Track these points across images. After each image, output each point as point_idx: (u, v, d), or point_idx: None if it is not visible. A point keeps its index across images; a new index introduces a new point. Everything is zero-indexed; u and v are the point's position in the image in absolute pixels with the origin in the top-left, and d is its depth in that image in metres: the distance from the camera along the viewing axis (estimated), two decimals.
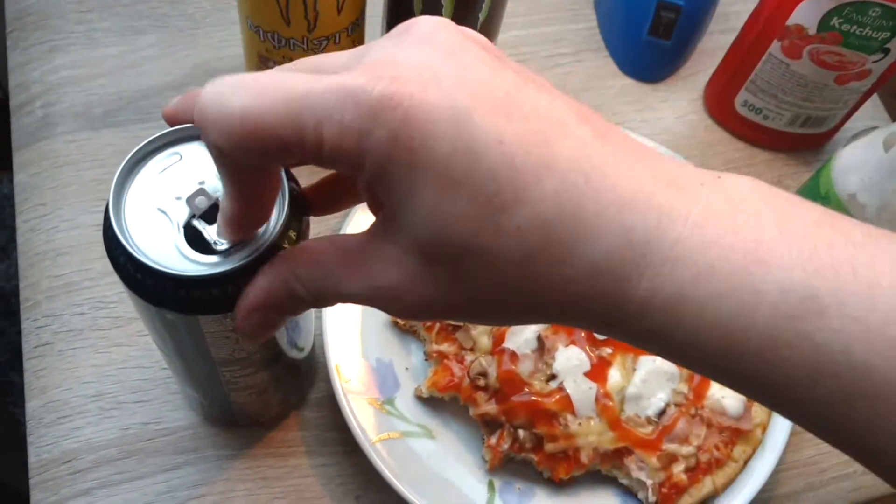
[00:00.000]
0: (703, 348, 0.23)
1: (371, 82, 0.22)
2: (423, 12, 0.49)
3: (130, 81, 0.56)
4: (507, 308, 0.25)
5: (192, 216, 0.29)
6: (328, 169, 0.25)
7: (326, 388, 0.48)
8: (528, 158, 0.22)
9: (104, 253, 0.48)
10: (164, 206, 0.29)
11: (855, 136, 0.49)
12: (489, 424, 0.46)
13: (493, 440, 0.46)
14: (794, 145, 0.60)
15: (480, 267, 0.23)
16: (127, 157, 0.30)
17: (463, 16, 0.49)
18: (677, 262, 0.23)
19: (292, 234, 0.30)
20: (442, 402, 0.48)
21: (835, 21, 0.49)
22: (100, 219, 0.51)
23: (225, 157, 0.24)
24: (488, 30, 0.51)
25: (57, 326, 0.48)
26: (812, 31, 0.50)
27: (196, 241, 0.29)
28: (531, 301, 0.24)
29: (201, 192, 0.30)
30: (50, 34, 0.57)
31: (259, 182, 0.26)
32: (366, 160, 0.23)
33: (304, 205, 0.31)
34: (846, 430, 0.23)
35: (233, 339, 0.33)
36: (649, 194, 0.23)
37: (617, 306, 0.23)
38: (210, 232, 0.29)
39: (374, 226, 0.26)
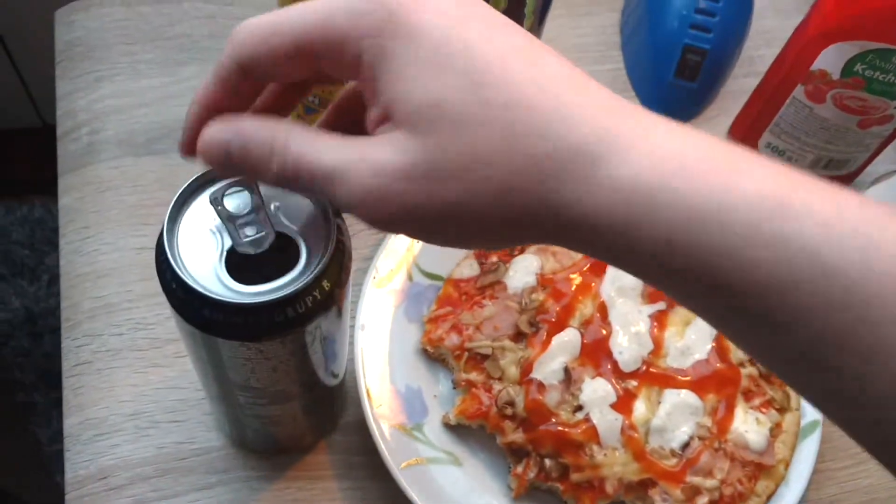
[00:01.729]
0: (677, 244, 0.24)
1: None
2: None
3: (172, 111, 0.58)
4: (471, 197, 0.25)
5: (237, 244, 0.31)
6: (334, 74, 0.27)
7: (356, 413, 0.49)
8: (517, 56, 0.25)
9: (144, 275, 0.50)
10: (214, 230, 0.31)
11: (877, 180, 0.50)
12: (516, 453, 0.47)
13: (520, 469, 0.47)
14: None
15: (458, 137, 0.24)
16: (196, 177, 0.32)
17: None
18: (657, 153, 0.24)
19: (326, 284, 0.31)
20: (469, 429, 0.49)
21: (858, 67, 0.51)
22: (141, 242, 0.53)
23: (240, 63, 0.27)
24: None
25: (96, 346, 0.50)
26: (836, 76, 0.52)
27: (236, 268, 0.31)
28: (500, 185, 0.25)
29: (249, 221, 0.31)
30: (96, 65, 0.60)
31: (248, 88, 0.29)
32: (365, 39, 0.25)
33: (347, 258, 0.33)
34: (822, 359, 0.23)
35: (249, 368, 0.34)
36: (626, 106, 0.26)
37: (590, 189, 0.24)
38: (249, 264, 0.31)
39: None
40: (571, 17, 0.67)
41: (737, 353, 0.50)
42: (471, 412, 0.48)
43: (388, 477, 0.45)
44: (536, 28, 0.50)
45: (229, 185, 0.31)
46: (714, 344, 0.50)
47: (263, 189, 0.31)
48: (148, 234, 0.53)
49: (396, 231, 0.27)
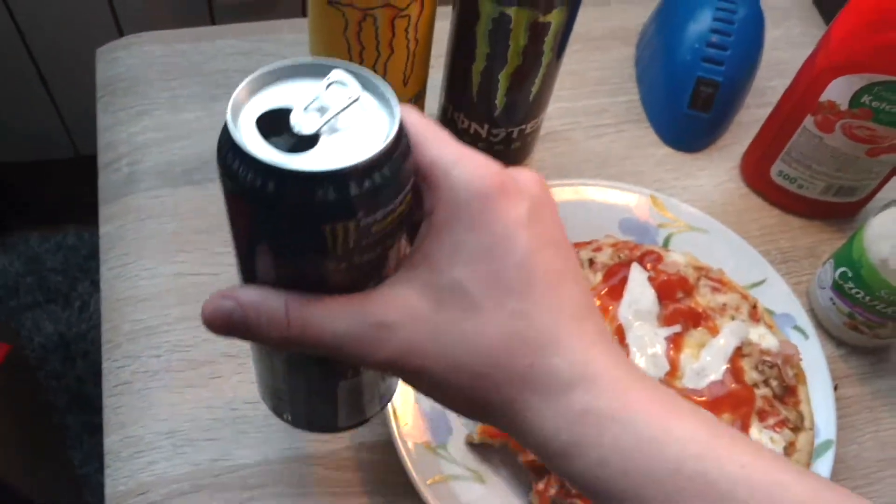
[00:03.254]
0: (607, 476, 0.28)
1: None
2: (480, 85, 0.53)
3: (208, 143, 0.61)
4: (466, 378, 0.29)
5: (301, 131, 0.27)
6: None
7: (383, 432, 0.51)
8: (552, 271, 0.29)
9: (181, 300, 0.52)
10: (282, 115, 0.27)
11: (886, 206, 0.52)
12: (537, 470, 0.49)
13: (541, 485, 0.48)
14: (827, 213, 0.63)
15: (470, 324, 0.28)
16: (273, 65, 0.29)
17: (518, 88, 0.53)
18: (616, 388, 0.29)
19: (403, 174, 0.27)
20: (492, 448, 0.50)
21: (865, 98, 0.52)
22: (178, 269, 0.56)
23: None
24: (539, 103, 0.56)
25: (136, 367, 0.52)
26: (844, 106, 0.54)
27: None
28: (488, 370, 0.28)
29: (313, 111, 0.27)
30: (137, 99, 0.63)
31: None
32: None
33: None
34: None
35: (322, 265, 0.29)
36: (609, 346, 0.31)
37: (556, 411, 0.28)
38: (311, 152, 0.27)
39: (390, 279, 0.29)
40: (589, 51, 0.70)
41: (751, 375, 0.51)
42: (493, 431, 0.49)
43: (415, 493, 0.47)
44: (555, 62, 0.53)
45: (291, 73, 0.28)
46: (729, 365, 0.51)
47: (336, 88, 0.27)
48: (185, 261, 0.56)
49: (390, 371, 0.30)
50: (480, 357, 0.28)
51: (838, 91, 0.53)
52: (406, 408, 0.50)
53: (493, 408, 0.29)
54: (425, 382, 0.29)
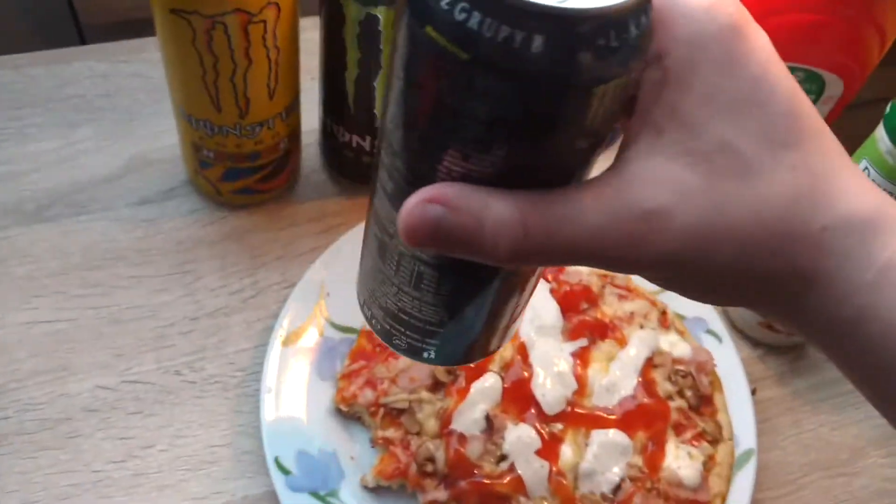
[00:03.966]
0: None
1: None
2: (356, 94, 0.49)
3: (65, 175, 0.56)
4: (753, 248, 0.23)
5: None
6: None
7: (266, 483, 0.46)
8: (811, 114, 0.23)
9: (33, 352, 0.46)
10: None
11: None
12: None
13: None
14: None
15: (751, 192, 0.22)
16: None
17: None
18: None
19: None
20: (390, 490, 0.46)
21: None
22: (30, 316, 0.49)
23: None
24: None
25: None
26: None
27: None
28: (779, 242, 0.23)
29: None
30: None
31: None
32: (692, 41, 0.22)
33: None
34: None
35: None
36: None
37: (854, 268, 0.23)
38: None
39: (629, 150, 0.23)
40: None
41: (664, 386, 0.48)
42: (389, 472, 0.45)
43: None
44: None
45: None
46: (640, 378, 0.48)
47: None
48: (39, 308, 0.50)
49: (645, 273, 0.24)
50: (768, 230, 0.23)
51: None
52: (291, 454, 0.45)
53: (779, 289, 0.24)
54: (701, 277, 0.24)
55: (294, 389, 0.47)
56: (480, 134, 0.21)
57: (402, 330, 0.28)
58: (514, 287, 0.27)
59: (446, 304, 0.26)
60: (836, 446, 0.51)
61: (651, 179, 0.22)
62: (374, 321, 0.30)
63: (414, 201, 0.21)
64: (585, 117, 0.21)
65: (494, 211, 0.21)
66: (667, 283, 0.25)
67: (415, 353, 0.29)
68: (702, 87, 0.22)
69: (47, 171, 0.56)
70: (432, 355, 0.29)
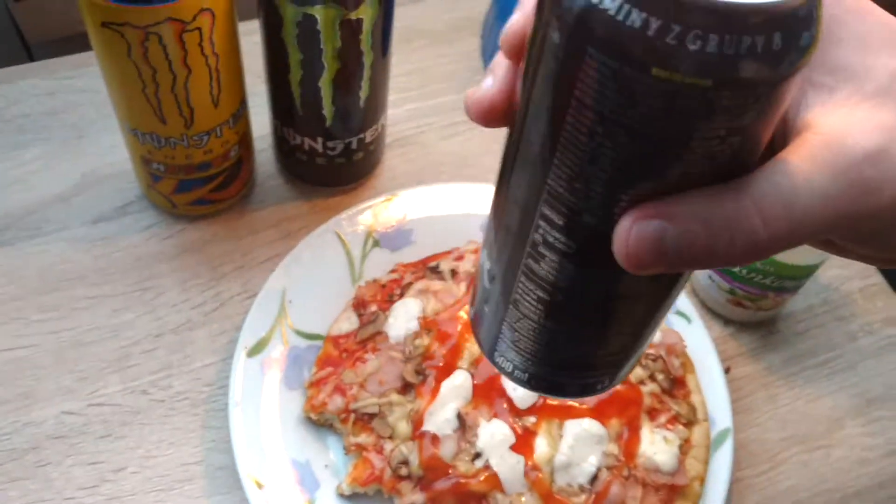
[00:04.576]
0: None
1: None
2: (302, 96, 0.48)
3: (16, 197, 0.54)
4: None
5: None
6: None
7: (242, 498, 0.45)
8: None
9: None
10: None
11: None
12: None
13: None
14: None
15: None
16: None
17: (344, 94, 0.48)
18: None
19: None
20: (366, 496, 0.45)
21: None
22: None
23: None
24: (373, 107, 0.51)
25: None
26: None
27: None
28: None
29: None
30: None
31: None
32: None
33: None
34: None
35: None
36: None
37: None
38: None
39: (805, 118, 0.22)
40: (435, 46, 0.65)
41: (635, 371, 0.47)
42: (364, 478, 0.44)
43: None
44: (381, 61, 0.48)
45: None
46: None
47: None
48: None
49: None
50: None
51: None
52: (263, 469, 0.44)
53: None
54: None
55: (263, 401, 0.46)
56: (701, 155, 0.19)
57: (579, 373, 0.27)
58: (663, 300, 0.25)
59: (634, 332, 0.26)
60: (813, 419, 0.51)
61: (850, 129, 0.21)
62: (531, 379, 0.28)
63: (625, 225, 0.20)
64: (775, 108, 0.19)
65: (717, 208, 0.19)
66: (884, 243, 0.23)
67: (557, 389, 0.28)
68: (851, 35, 0.22)
69: None
70: (606, 384, 0.28)
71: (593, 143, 0.19)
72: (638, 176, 0.20)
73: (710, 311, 0.54)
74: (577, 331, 0.25)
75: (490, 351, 0.28)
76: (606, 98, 0.18)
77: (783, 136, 0.22)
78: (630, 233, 0.20)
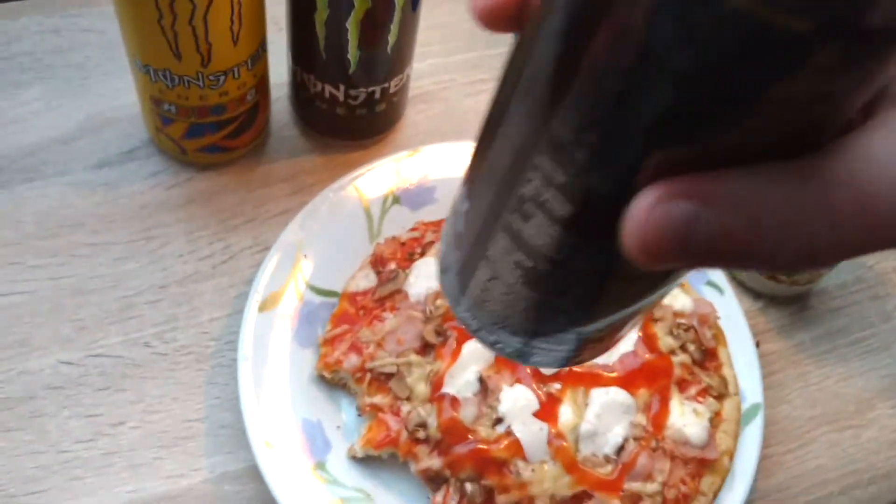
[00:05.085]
0: None
1: None
2: (327, 38, 0.46)
3: (13, 139, 0.51)
4: None
5: None
6: None
7: (246, 458, 0.43)
8: None
9: None
10: None
11: None
12: (433, 480, 0.42)
13: (439, 497, 0.41)
14: None
15: None
16: None
17: (372, 41, 0.46)
18: None
19: None
20: (380, 460, 0.43)
21: None
22: None
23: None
24: (401, 55, 0.48)
25: None
26: None
27: None
28: None
29: None
30: None
31: None
32: None
33: None
34: None
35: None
36: None
37: None
38: None
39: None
40: (459, 2, 0.63)
41: (666, 341, 0.45)
42: (379, 440, 0.42)
43: None
44: (410, 13, 0.46)
45: None
46: (640, 333, 0.45)
47: None
48: None
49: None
50: None
51: None
52: (272, 427, 0.42)
53: None
54: None
55: (273, 357, 0.44)
56: (766, 122, 0.15)
57: (552, 345, 0.23)
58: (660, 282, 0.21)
59: (623, 315, 0.21)
60: (844, 398, 0.49)
61: None
62: (496, 343, 0.24)
63: (645, 203, 0.15)
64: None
65: (771, 195, 0.15)
66: None
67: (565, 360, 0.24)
68: None
69: None
70: (580, 359, 0.24)
71: (628, 82, 0.15)
72: (675, 137, 0.15)
73: (740, 284, 0.52)
74: (556, 304, 0.21)
75: (454, 303, 0.24)
76: (660, 23, 0.14)
77: (868, 104, 0.16)
78: (650, 213, 0.15)
